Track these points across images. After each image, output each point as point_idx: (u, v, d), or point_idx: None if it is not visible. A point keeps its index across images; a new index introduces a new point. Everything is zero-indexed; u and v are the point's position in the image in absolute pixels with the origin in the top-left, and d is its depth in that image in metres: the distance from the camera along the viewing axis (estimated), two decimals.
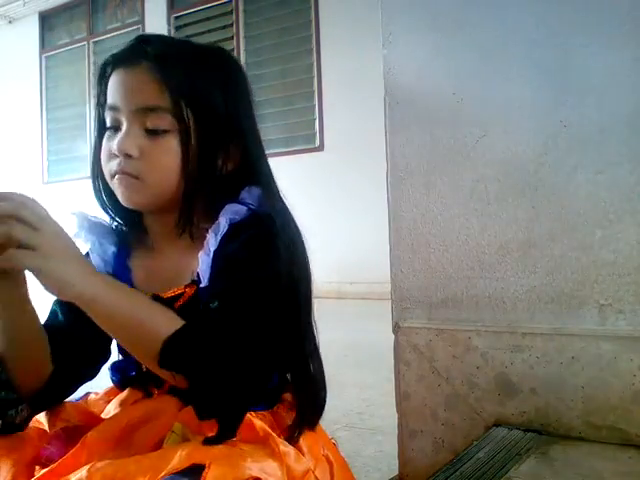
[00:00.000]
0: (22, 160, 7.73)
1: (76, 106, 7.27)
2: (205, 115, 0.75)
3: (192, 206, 0.75)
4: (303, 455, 0.72)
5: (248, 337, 0.65)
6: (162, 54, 0.74)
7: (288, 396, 0.80)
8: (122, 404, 0.77)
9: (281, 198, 0.80)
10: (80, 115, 7.21)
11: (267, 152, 0.83)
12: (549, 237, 1.13)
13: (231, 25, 6.07)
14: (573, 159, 1.11)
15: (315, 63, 5.54)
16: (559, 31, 1.13)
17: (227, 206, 0.74)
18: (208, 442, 0.64)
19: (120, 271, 0.79)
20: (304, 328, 0.78)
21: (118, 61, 0.75)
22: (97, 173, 0.79)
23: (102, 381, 0.84)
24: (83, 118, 7.15)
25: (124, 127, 0.73)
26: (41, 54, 7.72)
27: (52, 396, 0.75)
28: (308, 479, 0.70)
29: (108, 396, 0.81)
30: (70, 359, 0.75)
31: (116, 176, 0.74)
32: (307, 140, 5.58)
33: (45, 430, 0.74)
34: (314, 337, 0.81)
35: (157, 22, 6.51)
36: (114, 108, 0.75)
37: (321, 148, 5.51)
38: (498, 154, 1.18)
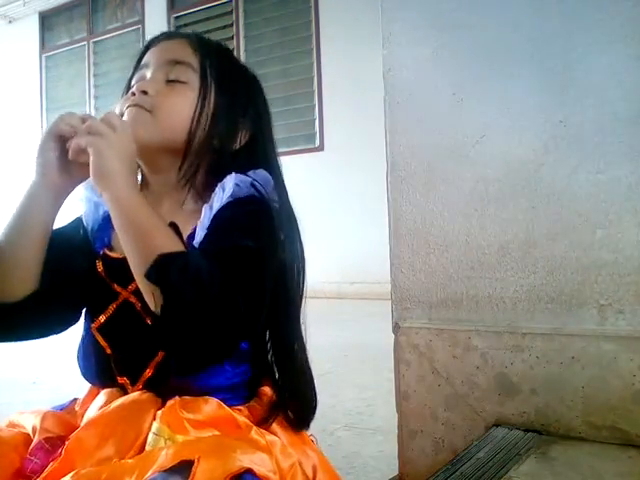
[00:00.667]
0: (22, 160, 7.73)
1: (76, 106, 7.24)
2: (225, 86, 0.81)
3: (196, 158, 0.78)
4: None
5: (234, 289, 0.64)
6: (199, 36, 0.84)
7: (267, 390, 0.80)
8: (100, 408, 0.75)
9: (285, 190, 0.82)
10: None
11: None
12: (549, 237, 1.13)
13: (231, 25, 6.07)
14: (573, 159, 1.11)
15: (315, 63, 5.54)
16: (559, 30, 1.13)
17: (233, 174, 0.76)
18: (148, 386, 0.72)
19: (105, 228, 0.81)
20: (290, 320, 0.79)
21: (159, 37, 0.83)
22: None
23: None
24: None
25: (148, 76, 0.79)
26: (41, 54, 7.71)
27: (22, 318, 0.74)
28: (296, 470, 0.70)
29: (91, 399, 0.80)
30: (47, 298, 0.75)
31: (127, 109, 0.77)
32: (307, 140, 5.58)
33: (30, 435, 0.73)
34: (300, 334, 0.82)
35: (157, 22, 6.50)
36: (144, 65, 0.81)
37: (321, 148, 5.51)
38: (498, 154, 1.18)
